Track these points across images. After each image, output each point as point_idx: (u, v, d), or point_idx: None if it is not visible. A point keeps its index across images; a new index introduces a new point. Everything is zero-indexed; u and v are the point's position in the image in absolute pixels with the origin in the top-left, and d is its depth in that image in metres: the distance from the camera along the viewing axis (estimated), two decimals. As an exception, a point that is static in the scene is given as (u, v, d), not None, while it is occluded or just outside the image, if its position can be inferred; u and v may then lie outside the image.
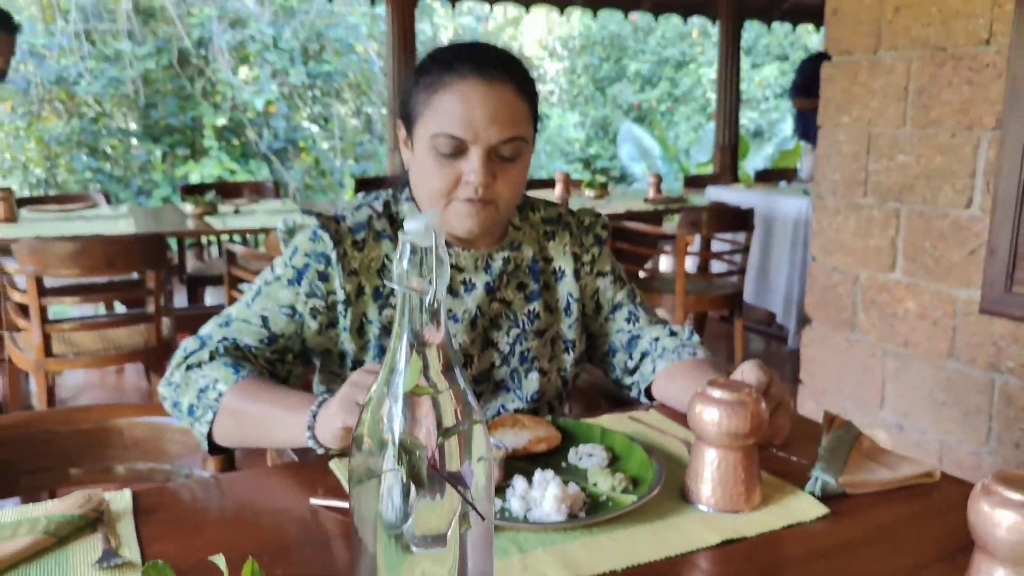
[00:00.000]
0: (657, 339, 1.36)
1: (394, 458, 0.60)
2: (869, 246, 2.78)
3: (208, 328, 1.22)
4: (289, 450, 1.35)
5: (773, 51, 12.35)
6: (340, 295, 1.23)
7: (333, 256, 1.21)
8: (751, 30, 11.79)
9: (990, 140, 2.41)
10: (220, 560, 0.63)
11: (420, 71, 1.22)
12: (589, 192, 4.59)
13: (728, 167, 6.50)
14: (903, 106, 2.64)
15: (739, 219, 3.81)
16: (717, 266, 4.46)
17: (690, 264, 4.35)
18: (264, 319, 1.21)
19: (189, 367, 1.16)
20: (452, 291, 1.27)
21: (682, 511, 0.97)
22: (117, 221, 3.54)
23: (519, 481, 0.98)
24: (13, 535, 0.83)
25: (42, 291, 2.71)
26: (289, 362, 1.25)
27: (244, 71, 8.98)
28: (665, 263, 5.60)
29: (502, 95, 1.17)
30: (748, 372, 1.07)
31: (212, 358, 1.16)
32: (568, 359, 1.36)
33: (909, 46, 2.60)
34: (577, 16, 12.83)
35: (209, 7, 8.40)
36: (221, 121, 8.71)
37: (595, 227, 1.42)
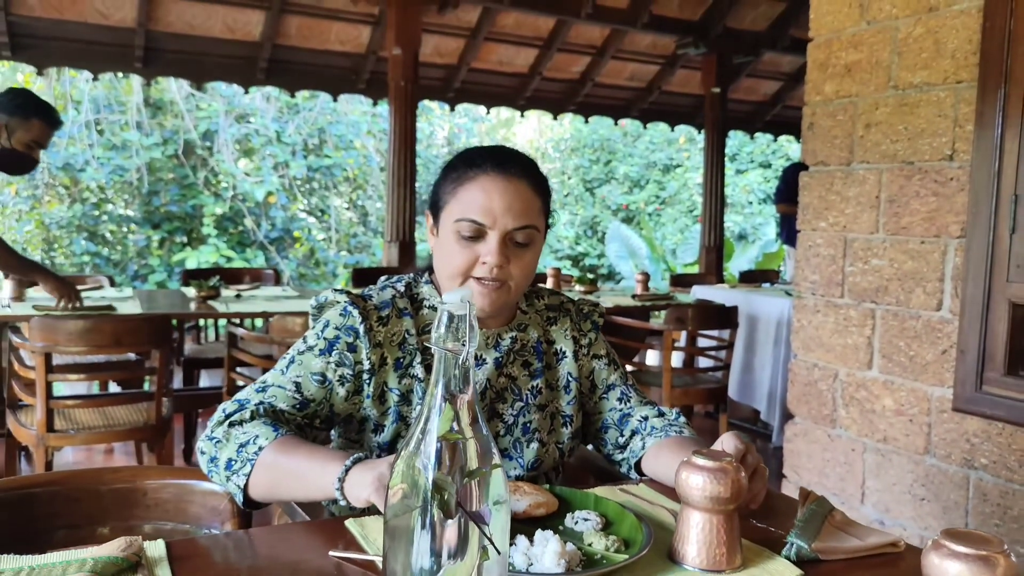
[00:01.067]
0: (646, 418, 1.48)
1: (428, 493, 0.70)
2: (847, 344, 2.90)
3: (246, 393, 1.34)
4: (299, 509, 1.43)
5: (756, 158, 12.85)
6: (366, 364, 1.35)
7: (361, 329, 1.35)
8: (735, 138, 12.29)
9: (956, 247, 2.55)
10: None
11: (448, 167, 1.42)
12: (579, 287, 4.76)
13: (714, 267, 6.73)
14: (875, 213, 2.80)
15: (723, 316, 3.96)
16: (703, 362, 4.58)
17: (676, 359, 4.47)
18: (297, 385, 1.33)
19: (231, 424, 1.27)
20: None
21: (669, 570, 1.06)
22: (124, 302, 3.65)
23: (521, 539, 1.07)
24: (63, 573, 0.92)
25: (49, 368, 2.79)
26: (316, 427, 1.37)
27: (246, 163, 9.27)
28: (652, 357, 5.73)
29: (518, 188, 1.35)
30: (727, 442, 1.18)
31: (253, 417, 1.28)
32: (566, 432, 1.48)
33: (879, 160, 2.78)
34: (568, 120, 13.36)
35: (217, 102, 8.74)
36: (221, 210, 8.93)
37: (592, 314, 1.57)
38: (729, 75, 6.92)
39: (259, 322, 4.37)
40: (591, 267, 12.33)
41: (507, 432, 1.43)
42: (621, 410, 1.52)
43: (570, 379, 1.50)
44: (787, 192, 5.97)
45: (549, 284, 4.65)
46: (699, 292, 5.16)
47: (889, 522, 2.74)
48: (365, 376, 1.36)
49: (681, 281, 5.95)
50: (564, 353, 1.51)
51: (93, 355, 3.28)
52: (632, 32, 6.65)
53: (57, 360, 3.30)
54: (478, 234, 1.33)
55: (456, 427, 0.72)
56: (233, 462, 1.23)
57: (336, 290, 1.43)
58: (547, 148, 14.11)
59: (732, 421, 5.18)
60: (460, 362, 0.72)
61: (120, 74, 7.73)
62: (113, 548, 0.96)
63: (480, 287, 1.34)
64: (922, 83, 2.62)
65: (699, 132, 8.09)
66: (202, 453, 1.28)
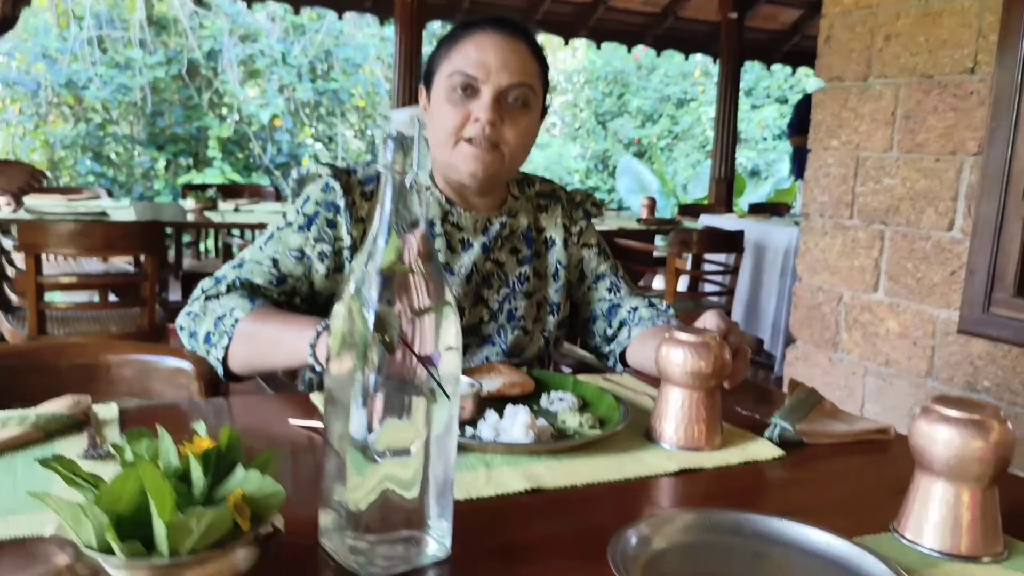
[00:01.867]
0: (635, 308, 1.43)
1: (370, 329, 0.64)
2: (854, 266, 2.84)
3: (223, 270, 1.31)
4: (267, 388, 1.41)
5: (773, 93, 12.55)
6: (347, 241, 1.30)
7: (342, 204, 1.30)
8: (752, 72, 11.99)
9: (972, 165, 2.47)
10: (201, 427, 0.67)
11: (444, 38, 1.34)
12: (584, 211, 4.67)
13: (723, 199, 6.60)
14: (890, 131, 2.71)
15: (729, 241, 3.88)
16: (708, 288, 4.52)
17: (681, 285, 4.41)
18: (275, 261, 1.29)
19: (208, 298, 1.25)
20: (451, 248, 1.36)
21: (646, 447, 1.01)
22: (118, 211, 3.60)
23: (491, 413, 1.02)
24: (3, 426, 0.87)
25: (39, 270, 2.75)
26: (296, 305, 1.33)
27: (254, 92, 9.12)
28: (658, 283, 5.67)
29: (515, 46, 1.28)
30: (709, 320, 1.12)
31: (229, 291, 1.25)
32: (552, 321, 1.43)
33: (897, 74, 2.67)
34: (582, 51, 13.05)
35: (221, 20, 8.55)
36: (226, 133, 8.81)
37: (585, 203, 1.53)
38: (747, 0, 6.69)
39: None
40: (601, 202, 12.19)
41: (491, 318, 1.39)
42: (610, 300, 1.47)
43: (559, 267, 1.45)
44: (801, 124, 5.82)
45: (553, 207, 4.56)
46: (707, 221, 5.07)
47: (886, 444, 2.71)
48: (346, 253, 1.31)
49: (689, 211, 5.84)
50: (553, 241, 1.46)
51: (88, 258, 3.24)
52: (649, -48, 6.40)
53: (54, 270, 3.27)
54: (471, 89, 1.26)
55: (402, 258, 0.66)
56: (211, 335, 1.20)
57: (319, 163, 1.36)
58: (559, 80, 13.82)
59: (735, 351, 5.13)
60: (410, 187, 0.65)
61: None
62: (59, 406, 0.92)
63: (471, 148, 1.27)
64: (946, -10, 2.49)
65: (715, 62, 7.86)
66: (181, 329, 1.26)
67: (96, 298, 4.15)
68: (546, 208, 1.47)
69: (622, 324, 1.43)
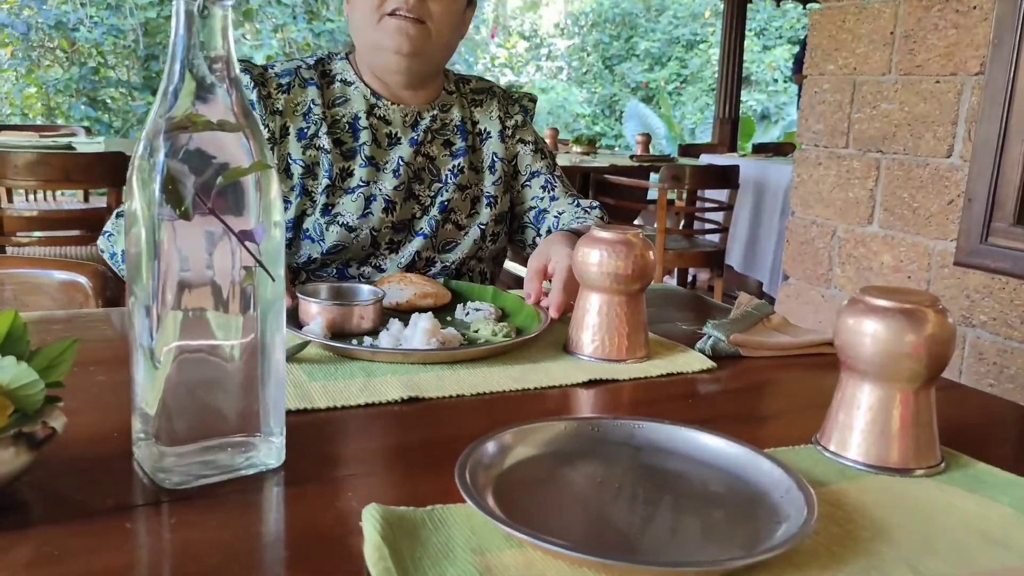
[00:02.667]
0: (561, 213, 1.37)
1: (157, 193, 0.53)
2: (848, 198, 2.71)
3: None
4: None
5: (785, 34, 12.17)
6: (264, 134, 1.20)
7: (254, 97, 1.23)
8: (764, 12, 11.63)
9: (973, 86, 2.33)
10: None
11: None
12: (577, 148, 4.51)
13: (727, 139, 6.40)
14: (889, 52, 2.56)
15: (723, 176, 3.73)
16: (704, 226, 4.37)
17: (677, 223, 4.27)
18: None
19: (120, 215, 1.17)
20: (377, 142, 1.29)
21: (559, 358, 0.90)
22: (89, 146, 3.48)
23: (394, 322, 0.92)
24: None
25: (-3, 202, 2.65)
26: None
27: (245, 26, 8.90)
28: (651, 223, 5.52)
29: None
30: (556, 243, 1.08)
31: None
32: (488, 213, 1.35)
33: (897, -10, 2.51)
34: (590, -9, 12.70)
35: (213, -41, 8.28)
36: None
37: (522, 100, 1.45)
38: (755, -70, 6.39)
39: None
40: (608, 147, 11.96)
41: (423, 213, 1.31)
42: (542, 199, 1.40)
43: (495, 159, 1.37)
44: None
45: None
46: (707, 160, 4.90)
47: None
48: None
49: (690, 151, 5.66)
50: (489, 133, 1.39)
51: (49, 203, 3.13)
52: None
53: (21, 205, 3.17)
54: None
55: (201, 108, 0.55)
56: None
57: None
58: (566, 23, 13.47)
59: (731, 294, 5.01)
60: (202, 9, 0.53)
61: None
62: None
63: (396, 21, 1.20)
64: None
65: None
66: (102, 251, 1.19)
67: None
68: (481, 103, 1.40)
69: (549, 231, 1.35)
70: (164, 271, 0.55)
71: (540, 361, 0.88)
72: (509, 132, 1.40)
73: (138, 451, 0.60)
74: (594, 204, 1.38)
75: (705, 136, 10.51)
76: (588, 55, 12.93)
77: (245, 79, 1.22)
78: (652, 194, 4.30)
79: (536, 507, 0.55)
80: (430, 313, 0.91)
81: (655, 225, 5.21)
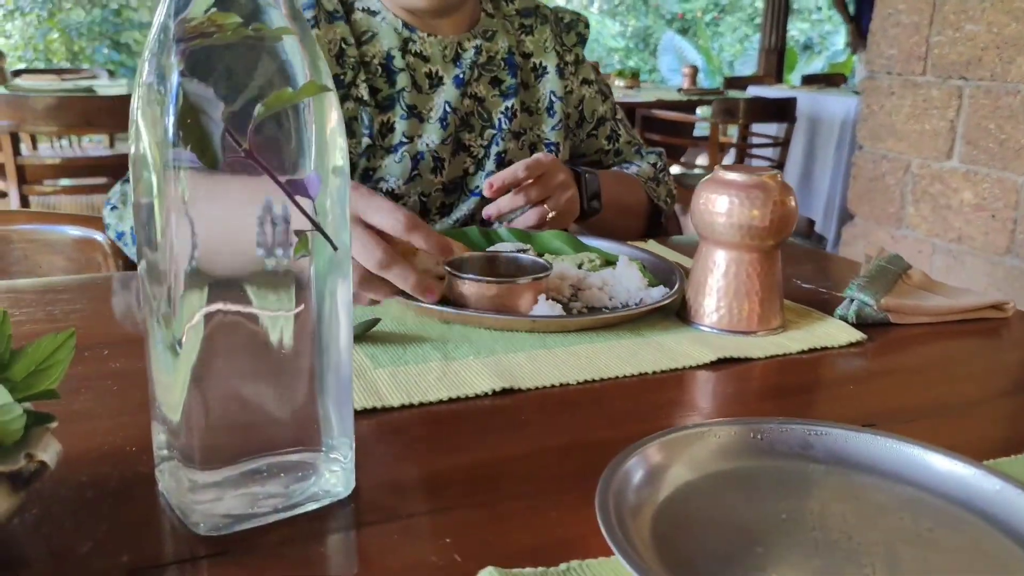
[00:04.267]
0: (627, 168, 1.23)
1: (170, 130, 0.37)
2: (925, 130, 2.49)
3: None
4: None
5: (830, -42, 11.59)
6: None
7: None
8: (807, -65, 11.05)
9: (1077, 0, 2.08)
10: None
11: None
12: (620, 82, 4.27)
13: (773, 71, 6.09)
14: (976, -35, 2.32)
15: (780, 110, 3.49)
16: (756, 163, 4.15)
17: (728, 160, 4.05)
18: None
19: (127, 181, 0.99)
20: (417, 86, 1.07)
21: (675, 329, 0.74)
22: (110, 88, 3.33)
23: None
24: None
25: (17, 150, 2.52)
26: None
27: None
28: (702, 159, 5.28)
29: None
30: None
31: None
32: None
33: None
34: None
35: None
36: None
37: (576, 25, 1.23)
38: None
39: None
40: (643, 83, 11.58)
41: (476, 168, 1.12)
42: (607, 152, 1.24)
43: (554, 99, 1.17)
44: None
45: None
46: (755, 92, 4.62)
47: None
48: None
49: (736, 84, 5.37)
50: (545, 68, 1.17)
51: (75, 148, 3.00)
52: None
53: (45, 151, 3.05)
54: None
55: (230, 5, 0.38)
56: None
57: None
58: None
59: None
60: None
61: None
62: None
63: None
64: None
65: (766, -81, 7.13)
66: (108, 227, 0.99)
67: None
68: (531, 29, 1.18)
69: None
70: (184, 236, 0.39)
71: (648, 333, 0.72)
72: (571, 69, 1.20)
73: (162, 477, 0.45)
74: (657, 150, 1.23)
75: (745, 69, 10.10)
76: (620, -15, 12.44)
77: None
78: (699, 130, 4.07)
79: (710, 563, 0.40)
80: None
81: (701, 161, 4.98)
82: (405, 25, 1.07)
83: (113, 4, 8.49)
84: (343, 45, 1.04)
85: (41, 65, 8.31)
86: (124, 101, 2.66)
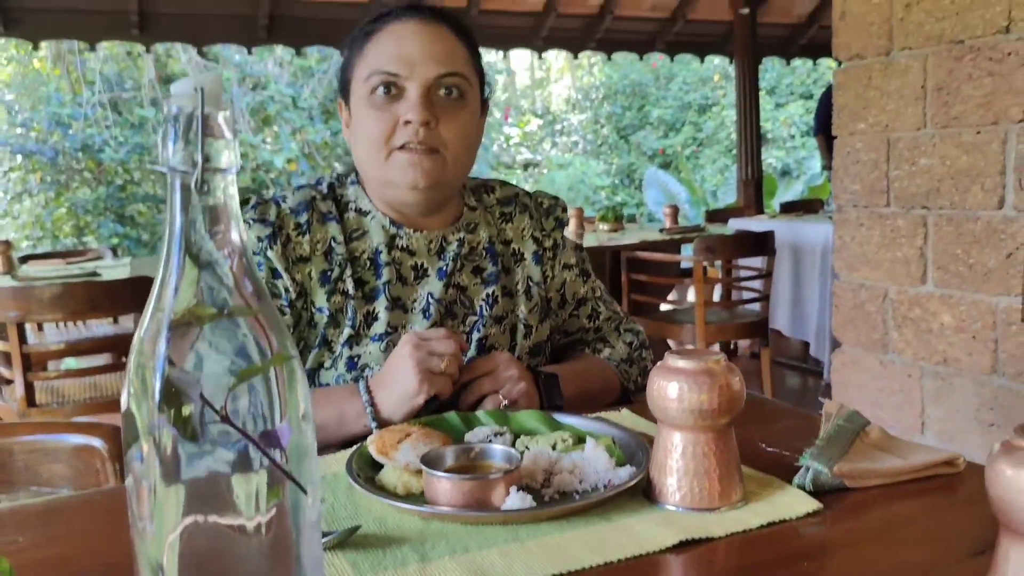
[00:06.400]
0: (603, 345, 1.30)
1: (156, 405, 0.43)
2: (897, 257, 2.59)
3: None
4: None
5: (796, 90, 12.22)
6: (292, 292, 1.12)
7: (272, 253, 1.11)
8: (773, 70, 11.71)
9: (1018, 133, 2.24)
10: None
11: (354, 37, 1.17)
12: (603, 226, 4.44)
13: (752, 201, 6.31)
14: (921, 106, 2.48)
15: (758, 243, 3.62)
16: (743, 295, 4.25)
17: (716, 295, 4.15)
18: None
19: None
20: (402, 279, 1.16)
21: (637, 508, 0.78)
22: (114, 270, 3.46)
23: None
24: None
25: (23, 339, 2.61)
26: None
27: (264, 131, 9.10)
28: (691, 295, 5.40)
29: (437, 31, 1.11)
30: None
31: None
32: (526, 345, 1.22)
33: (923, 43, 2.45)
34: (598, 67, 12.90)
35: (229, 71, 8.55)
36: (243, 181, 8.79)
37: (555, 210, 1.31)
38: (758, -6, 6.44)
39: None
40: (631, 216, 11.93)
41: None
42: (588, 331, 1.32)
43: (530, 284, 1.24)
44: (827, 118, 5.52)
45: (571, 226, 4.34)
46: (736, 225, 4.80)
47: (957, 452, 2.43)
48: (299, 304, 1.13)
49: (717, 216, 5.56)
50: (522, 255, 1.25)
51: (80, 326, 3.10)
52: (649, -44, 6.22)
53: (61, 336, 3.14)
54: (395, 89, 1.09)
55: (211, 297, 0.45)
56: None
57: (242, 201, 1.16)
58: (577, 98, 13.65)
59: (778, 360, 4.84)
60: (196, 186, 0.44)
61: (130, 52, 7.56)
62: None
63: (408, 155, 1.08)
64: (968, -57, 2.27)
65: (731, 63, 7.61)
66: None
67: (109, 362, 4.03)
68: (511, 217, 1.26)
69: None
70: (168, 490, 0.45)
71: (616, 516, 0.76)
72: (549, 255, 1.27)
73: None
74: (636, 328, 1.30)
75: (728, 196, 10.45)
76: (602, 127, 13.06)
77: (264, 230, 1.10)
78: (686, 263, 4.20)
79: None
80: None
81: (690, 299, 5.10)
82: (392, 223, 1.16)
83: (118, 180, 8.89)
84: (332, 243, 1.13)
85: (48, 242, 8.62)
86: (127, 285, 2.77)
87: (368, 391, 1.03)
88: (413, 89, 1.08)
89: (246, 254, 0.48)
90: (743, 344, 5.05)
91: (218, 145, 0.44)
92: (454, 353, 1.01)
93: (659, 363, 0.80)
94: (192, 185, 0.44)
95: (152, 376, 0.44)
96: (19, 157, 8.23)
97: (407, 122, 1.07)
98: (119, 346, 3.20)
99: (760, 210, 6.35)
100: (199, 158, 0.43)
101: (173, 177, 0.44)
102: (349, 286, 1.12)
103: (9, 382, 2.82)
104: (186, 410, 0.43)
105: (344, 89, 1.16)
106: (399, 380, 1.00)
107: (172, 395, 0.44)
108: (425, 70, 1.08)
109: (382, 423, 1.01)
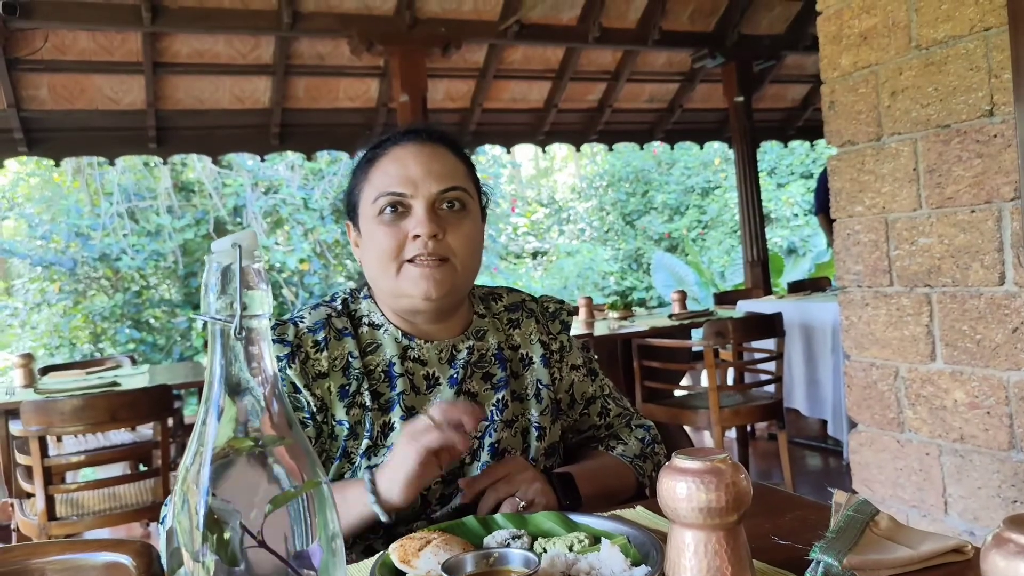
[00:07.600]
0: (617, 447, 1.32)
1: (201, 532, 0.47)
2: (904, 336, 2.62)
3: None
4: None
5: (796, 170, 12.46)
6: (314, 406, 1.17)
7: (292, 372, 1.15)
8: (772, 152, 11.96)
9: (1011, 211, 2.29)
10: None
11: (357, 165, 1.25)
12: (613, 314, 4.49)
13: (760, 281, 6.37)
14: (915, 187, 2.55)
15: (767, 325, 3.65)
16: (757, 378, 4.25)
17: (729, 379, 4.16)
18: None
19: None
20: (415, 388, 1.20)
21: (655, 612, 0.80)
22: (133, 379, 3.52)
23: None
24: None
25: (45, 452, 2.64)
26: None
27: (277, 233, 9.31)
28: (704, 380, 5.39)
29: (435, 152, 1.19)
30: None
31: None
32: (539, 447, 1.24)
33: (911, 128, 2.54)
34: (601, 155, 13.21)
35: (243, 177, 8.82)
36: (258, 283, 8.92)
37: (560, 313, 1.36)
38: (751, 83, 6.65)
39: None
40: (640, 301, 12.01)
41: (472, 459, 1.20)
42: (599, 428, 1.35)
43: (540, 387, 1.27)
44: (826, 198, 5.62)
45: (581, 315, 4.39)
46: (745, 307, 4.84)
47: (980, 531, 2.39)
48: (320, 418, 1.17)
49: (726, 299, 5.62)
50: (531, 359, 1.29)
51: (97, 433, 3.13)
52: (645, 52, 6.46)
53: (79, 446, 3.17)
54: (401, 207, 1.16)
55: (247, 430, 0.50)
56: None
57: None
58: (582, 187, 13.94)
59: (797, 440, 4.80)
60: (239, 334, 0.49)
61: (147, 162, 7.83)
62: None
63: (419, 269, 1.14)
64: (947, 37, 2.37)
65: (730, 147, 7.82)
66: (163, 518, 1.12)
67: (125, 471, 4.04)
68: (518, 323, 1.31)
69: None
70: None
71: (634, 619, 0.78)
72: (556, 357, 1.31)
73: None
74: (647, 424, 1.33)
75: (735, 276, 10.54)
76: (607, 214, 13.28)
77: (283, 350, 1.15)
78: (697, 348, 4.23)
79: None
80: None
81: (703, 383, 5.11)
82: (404, 334, 1.21)
83: (134, 287, 9.06)
84: (349, 358, 1.18)
85: (66, 350, 8.73)
86: (146, 395, 2.82)
87: (371, 473, 1.06)
88: (419, 206, 1.15)
89: (277, 383, 0.53)
90: (760, 426, 5.03)
91: (253, 295, 0.49)
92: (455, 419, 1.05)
93: (667, 464, 0.83)
94: (232, 332, 0.49)
95: (197, 505, 0.48)
96: (39, 268, 8.43)
97: (416, 236, 1.14)
98: (137, 454, 3.23)
99: (768, 290, 6.40)
100: (238, 308, 0.48)
101: (215, 325, 0.49)
102: (366, 399, 1.16)
103: (30, 496, 2.84)
104: (227, 535, 0.47)
105: (351, 212, 1.23)
106: (395, 455, 1.03)
107: (214, 523, 0.48)
108: (428, 187, 1.15)
109: (382, 501, 1.03)
